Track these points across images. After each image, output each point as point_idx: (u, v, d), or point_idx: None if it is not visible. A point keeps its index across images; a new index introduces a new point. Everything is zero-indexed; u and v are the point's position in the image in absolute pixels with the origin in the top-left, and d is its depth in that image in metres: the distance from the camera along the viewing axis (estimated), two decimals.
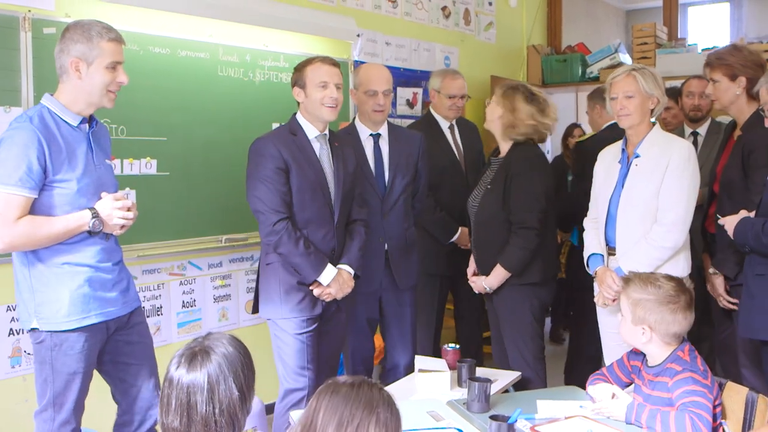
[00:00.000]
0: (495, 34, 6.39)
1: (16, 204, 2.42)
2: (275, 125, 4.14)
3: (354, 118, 3.87)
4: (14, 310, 3.25)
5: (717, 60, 3.41)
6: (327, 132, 3.28)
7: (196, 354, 1.72)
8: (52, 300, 2.52)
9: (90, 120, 2.65)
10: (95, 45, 2.54)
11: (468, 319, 4.49)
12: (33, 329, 2.56)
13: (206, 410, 1.67)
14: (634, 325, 2.44)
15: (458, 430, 2.32)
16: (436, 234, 4.19)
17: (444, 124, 4.34)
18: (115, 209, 2.58)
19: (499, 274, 3.45)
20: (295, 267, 3.12)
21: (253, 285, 4.25)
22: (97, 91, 2.57)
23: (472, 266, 3.69)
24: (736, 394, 2.44)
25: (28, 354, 3.30)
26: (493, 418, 2.18)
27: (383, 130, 3.73)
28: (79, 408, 2.62)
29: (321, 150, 3.24)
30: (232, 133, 4.05)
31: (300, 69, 3.24)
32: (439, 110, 4.35)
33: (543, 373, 3.54)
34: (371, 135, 3.70)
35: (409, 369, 3.75)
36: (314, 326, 3.19)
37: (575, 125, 6.14)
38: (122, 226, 2.62)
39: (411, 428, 2.32)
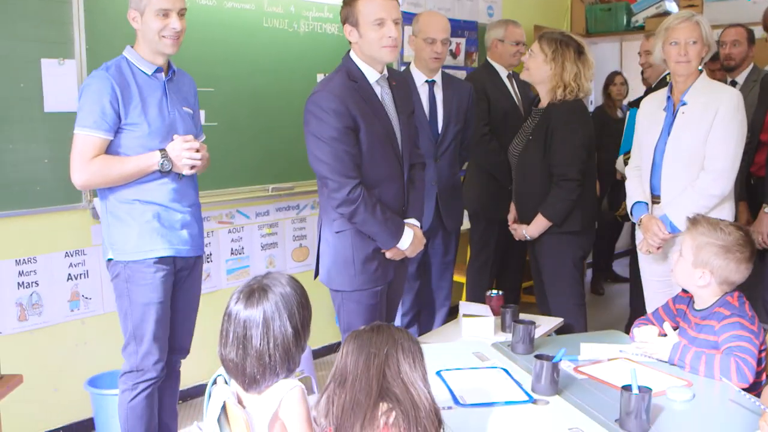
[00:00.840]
0: None
1: (92, 144, 2.60)
2: (320, 76, 4.17)
3: (409, 63, 3.89)
4: (73, 256, 3.38)
5: None
6: (386, 72, 2.91)
7: (254, 291, 1.79)
8: (123, 232, 2.69)
9: (168, 69, 2.78)
10: None
11: (511, 267, 4.52)
12: (109, 260, 2.73)
13: (261, 344, 1.74)
14: (693, 267, 2.42)
15: (503, 369, 2.38)
16: (500, 177, 4.16)
17: (503, 73, 4.34)
18: (184, 150, 2.70)
19: (540, 224, 3.49)
20: (373, 235, 2.83)
21: (300, 234, 4.36)
22: (152, 38, 2.67)
23: (512, 213, 3.74)
24: None
25: (87, 298, 3.44)
26: (538, 357, 2.22)
27: (437, 78, 3.76)
28: (159, 339, 2.74)
29: (383, 94, 2.87)
30: (278, 85, 4.09)
31: (349, 2, 2.80)
32: (501, 59, 4.34)
33: (584, 319, 3.59)
34: (426, 81, 3.73)
35: (444, 309, 3.85)
36: (384, 293, 2.97)
37: (616, 72, 6.07)
38: (192, 167, 2.73)
39: (457, 367, 2.39)
